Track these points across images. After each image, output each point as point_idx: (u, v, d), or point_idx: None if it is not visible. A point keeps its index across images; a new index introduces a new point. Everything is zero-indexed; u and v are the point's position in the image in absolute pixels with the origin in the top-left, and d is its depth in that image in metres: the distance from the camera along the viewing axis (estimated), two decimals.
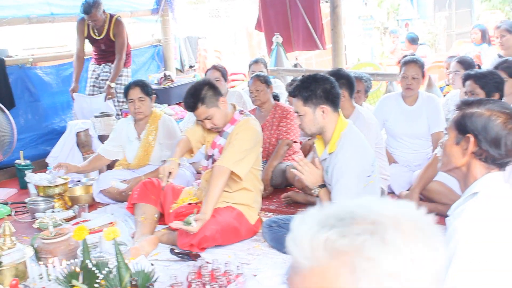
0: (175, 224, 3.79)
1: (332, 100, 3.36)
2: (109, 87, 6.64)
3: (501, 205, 2.06)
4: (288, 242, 0.92)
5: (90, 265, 2.92)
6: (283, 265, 3.55)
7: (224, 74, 6.04)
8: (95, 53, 6.98)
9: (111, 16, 6.74)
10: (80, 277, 3.00)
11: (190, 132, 4.29)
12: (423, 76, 5.03)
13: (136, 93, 5.00)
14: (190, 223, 3.71)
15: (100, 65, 6.94)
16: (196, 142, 4.24)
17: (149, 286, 2.59)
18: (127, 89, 5.06)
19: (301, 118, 3.40)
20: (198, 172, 5.20)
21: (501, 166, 2.16)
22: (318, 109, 3.33)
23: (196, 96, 4.00)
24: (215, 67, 6.11)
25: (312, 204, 4.55)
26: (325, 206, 0.94)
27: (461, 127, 2.17)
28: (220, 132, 4.14)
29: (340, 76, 4.19)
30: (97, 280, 2.87)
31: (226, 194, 4.09)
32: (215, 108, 4.02)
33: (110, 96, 6.67)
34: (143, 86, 5.06)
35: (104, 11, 6.63)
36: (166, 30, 8.70)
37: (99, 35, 6.75)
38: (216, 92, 4.09)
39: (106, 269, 2.92)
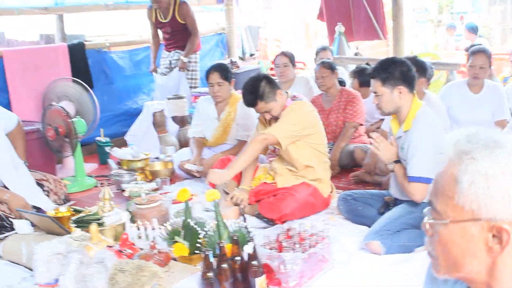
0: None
1: (409, 82, 3.63)
2: (182, 61, 7.01)
3: None
4: (437, 143, 1.32)
5: (192, 224, 3.26)
6: (358, 234, 3.86)
7: (292, 59, 6.33)
8: (165, 40, 7.32)
9: None
10: (182, 235, 3.35)
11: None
12: (489, 66, 5.25)
13: (215, 77, 5.26)
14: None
15: (170, 52, 7.27)
16: None
17: (249, 241, 2.91)
18: (207, 73, 5.33)
19: (379, 98, 3.68)
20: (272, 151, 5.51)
21: None
22: (395, 90, 3.61)
23: (255, 92, 4.23)
24: (283, 53, 6.40)
25: (378, 183, 4.85)
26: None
27: None
28: (276, 119, 4.37)
29: (415, 63, 4.43)
30: (199, 238, 3.21)
31: (296, 173, 4.39)
32: (273, 102, 4.26)
33: (182, 69, 7.04)
34: (222, 71, 5.29)
35: None
36: (230, 19, 9.01)
37: (165, 18, 7.05)
38: (273, 85, 4.31)
39: (205, 228, 3.27)
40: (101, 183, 5.45)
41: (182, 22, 7.01)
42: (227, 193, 4.40)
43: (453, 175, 1.21)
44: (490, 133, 1.25)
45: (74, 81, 5.98)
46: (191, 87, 7.22)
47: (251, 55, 10.01)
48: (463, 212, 1.19)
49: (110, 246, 3.29)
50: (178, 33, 7.12)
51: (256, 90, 4.23)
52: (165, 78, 7.11)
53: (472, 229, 1.19)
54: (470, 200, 1.18)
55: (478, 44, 6.60)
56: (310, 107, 4.46)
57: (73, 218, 3.87)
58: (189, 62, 7.16)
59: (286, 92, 4.50)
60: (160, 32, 7.31)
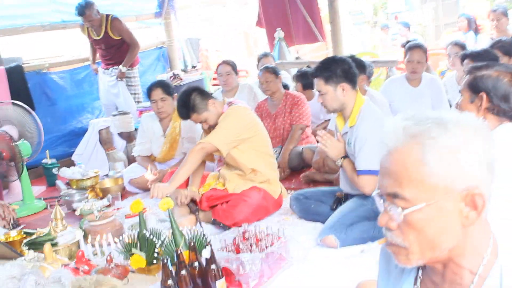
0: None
1: (351, 79, 3.73)
2: (121, 71, 7.00)
3: None
4: (382, 135, 1.28)
5: (148, 234, 3.25)
6: (313, 231, 3.92)
7: (234, 67, 6.38)
8: (102, 57, 7.29)
9: (107, 15, 6.99)
10: (138, 247, 3.33)
11: None
12: (426, 60, 5.45)
13: (158, 93, 5.28)
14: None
15: (108, 69, 7.22)
16: None
17: (206, 246, 2.92)
18: (149, 90, 5.33)
19: (323, 97, 3.75)
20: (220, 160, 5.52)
21: (511, 118, 2.54)
22: (338, 87, 3.70)
23: (187, 106, 4.30)
24: (225, 62, 6.44)
25: (329, 181, 4.93)
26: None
27: (474, 87, 2.55)
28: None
29: (353, 60, 4.53)
30: (155, 248, 3.20)
31: (244, 177, 4.42)
32: (206, 113, 4.32)
33: (120, 78, 7.03)
34: (164, 86, 5.34)
35: (98, 11, 6.88)
36: (170, 32, 9.05)
37: (98, 36, 7.04)
38: (204, 96, 4.36)
39: (161, 237, 3.26)
40: (51, 205, 5.35)
41: (117, 38, 7.00)
42: (187, 204, 4.40)
43: (417, 159, 1.20)
44: (430, 113, 1.27)
45: (14, 104, 5.85)
46: (135, 101, 7.20)
47: (193, 66, 10.03)
48: (437, 191, 1.20)
49: (66, 265, 3.26)
50: (113, 49, 7.09)
51: (187, 103, 4.29)
52: (106, 81, 7.11)
53: (447, 204, 1.21)
54: (442, 177, 1.19)
55: (414, 40, 6.81)
56: (246, 110, 4.48)
57: (25, 241, 3.80)
58: (128, 77, 7.13)
59: (223, 100, 4.55)
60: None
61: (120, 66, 7.02)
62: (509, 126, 2.53)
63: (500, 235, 1.31)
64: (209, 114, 4.32)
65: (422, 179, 1.20)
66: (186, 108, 4.30)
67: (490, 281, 1.25)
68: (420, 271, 1.40)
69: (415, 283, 1.40)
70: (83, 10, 6.72)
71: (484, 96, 2.51)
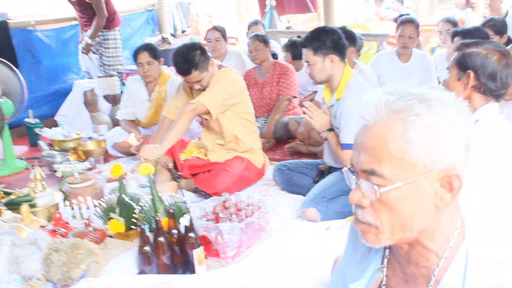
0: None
1: (340, 50, 3.66)
2: (86, 43, 6.77)
3: (498, 130, 2.41)
4: (360, 108, 1.23)
5: (127, 199, 3.22)
6: (294, 203, 3.90)
7: (224, 34, 6.30)
8: (80, 19, 7.07)
9: None
10: (117, 212, 3.30)
11: (172, 110, 4.48)
12: (417, 36, 5.40)
13: (144, 57, 5.17)
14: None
15: (86, 31, 7.00)
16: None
17: (185, 213, 2.89)
18: (136, 53, 5.22)
19: (311, 67, 3.69)
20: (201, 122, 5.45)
21: (497, 97, 2.52)
22: (327, 59, 3.63)
23: (190, 61, 4.12)
24: (215, 28, 6.36)
25: (313, 154, 4.91)
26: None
27: (462, 65, 2.52)
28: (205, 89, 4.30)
29: (344, 32, 4.47)
30: (134, 213, 3.17)
31: (226, 147, 4.38)
32: (206, 72, 4.20)
33: (85, 51, 6.82)
34: (151, 50, 5.22)
35: None
36: None
37: None
38: (207, 56, 4.25)
39: (141, 203, 3.22)
40: (32, 165, 5.28)
41: (90, 1, 6.72)
42: (170, 170, 4.35)
43: (399, 135, 1.16)
44: (414, 89, 1.23)
45: None
46: (113, 65, 7.02)
47: (183, 31, 9.92)
48: (415, 169, 1.17)
49: (43, 227, 3.22)
50: (89, 11, 6.81)
51: (191, 59, 4.11)
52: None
53: (424, 183, 1.18)
54: (422, 156, 1.16)
55: (406, 14, 6.75)
56: (237, 74, 4.41)
57: (3, 200, 3.76)
58: (107, 40, 6.95)
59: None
60: None
61: (85, 38, 6.79)
62: (494, 106, 2.51)
63: (471, 219, 1.29)
64: (207, 74, 4.21)
65: (402, 156, 1.17)
66: (188, 64, 4.11)
67: (456, 264, 1.23)
68: (387, 251, 1.38)
69: (382, 262, 1.38)
70: None
71: (472, 74, 2.48)
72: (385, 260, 1.38)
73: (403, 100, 1.19)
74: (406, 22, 5.34)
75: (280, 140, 5.49)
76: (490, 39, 4.60)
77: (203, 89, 4.25)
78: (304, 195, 3.85)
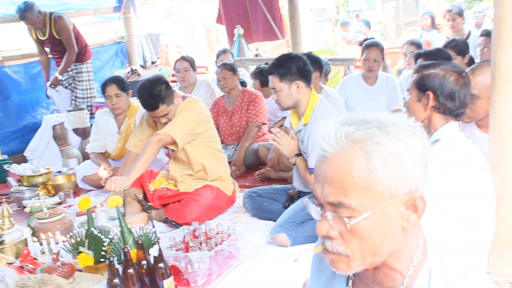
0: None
1: (305, 76, 3.71)
2: (56, 78, 6.78)
3: (459, 148, 2.45)
4: (317, 139, 1.24)
5: (96, 232, 3.19)
6: (265, 229, 3.90)
7: (192, 64, 6.31)
8: (52, 55, 7.06)
9: (50, 14, 6.70)
10: (86, 245, 3.27)
11: (135, 143, 4.47)
12: (383, 59, 5.49)
13: (112, 89, 5.17)
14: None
15: (59, 66, 6.96)
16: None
17: (154, 244, 2.88)
18: (104, 86, 5.22)
19: (277, 94, 3.73)
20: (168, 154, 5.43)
21: (457, 116, 2.56)
22: (293, 85, 3.68)
23: (157, 96, 4.09)
24: (183, 58, 6.38)
25: (284, 179, 4.92)
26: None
27: (421, 86, 2.57)
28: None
29: (310, 58, 4.54)
30: (103, 246, 3.15)
31: (194, 177, 4.37)
32: (172, 105, 4.20)
33: (53, 86, 6.82)
34: (119, 82, 5.22)
35: (40, 11, 6.59)
36: (129, 27, 8.90)
37: (44, 36, 6.79)
38: (171, 89, 4.25)
39: (110, 235, 3.20)
40: (1, 202, 5.22)
41: (58, 37, 6.74)
42: (140, 201, 4.32)
43: (363, 166, 1.16)
44: (370, 116, 1.24)
45: None
46: (87, 97, 7.02)
47: (153, 62, 9.94)
48: (382, 197, 1.17)
49: (10, 263, 3.18)
50: (59, 48, 6.82)
51: (157, 93, 4.09)
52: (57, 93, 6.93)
53: (390, 209, 1.18)
54: (388, 183, 1.16)
55: (371, 38, 6.86)
56: (202, 103, 4.40)
57: None
58: (80, 73, 6.95)
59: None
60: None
61: (56, 73, 6.79)
62: (454, 125, 2.56)
63: (432, 235, 1.31)
64: (173, 106, 4.20)
65: (368, 186, 1.16)
66: (155, 99, 4.08)
67: (419, 282, 1.24)
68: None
69: (347, 283, 1.39)
70: (24, 14, 6.42)
71: (431, 94, 2.53)
72: (350, 282, 1.39)
73: (362, 130, 1.19)
74: (370, 46, 5.43)
75: (250, 166, 5.51)
76: (452, 59, 4.70)
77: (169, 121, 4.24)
78: (275, 221, 3.85)
